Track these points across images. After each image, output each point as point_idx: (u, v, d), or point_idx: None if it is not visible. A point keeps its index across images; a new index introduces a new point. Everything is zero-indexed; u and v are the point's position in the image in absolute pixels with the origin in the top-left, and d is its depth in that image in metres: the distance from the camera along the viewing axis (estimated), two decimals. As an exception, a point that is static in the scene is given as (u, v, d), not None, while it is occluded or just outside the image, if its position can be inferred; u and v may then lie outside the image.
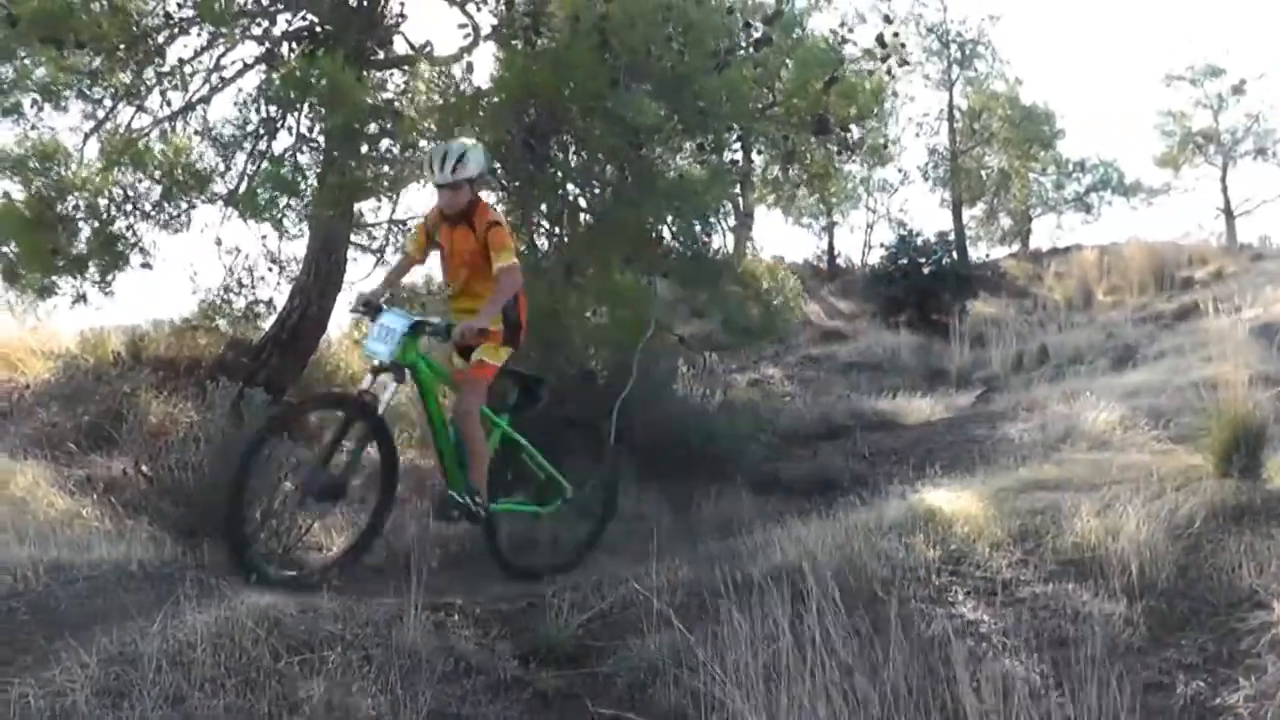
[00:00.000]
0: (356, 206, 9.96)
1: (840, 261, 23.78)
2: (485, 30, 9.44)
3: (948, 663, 3.60)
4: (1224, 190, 23.64)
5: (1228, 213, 23.40)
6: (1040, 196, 23.62)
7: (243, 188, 9.57)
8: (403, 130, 8.92)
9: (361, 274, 10.62)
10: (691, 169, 9.76)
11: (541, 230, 9.44)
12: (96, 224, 9.40)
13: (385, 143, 9.17)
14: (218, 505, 5.38)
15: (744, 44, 9.52)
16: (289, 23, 9.58)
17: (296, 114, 9.49)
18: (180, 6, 9.11)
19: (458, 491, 6.02)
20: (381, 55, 9.72)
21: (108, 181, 9.31)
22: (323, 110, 8.73)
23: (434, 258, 6.61)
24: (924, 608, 4.65)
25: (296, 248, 10.50)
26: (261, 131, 9.77)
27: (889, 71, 10.45)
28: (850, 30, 10.25)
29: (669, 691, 4.23)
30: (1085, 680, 3.42)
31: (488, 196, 7.23)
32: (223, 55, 9.67)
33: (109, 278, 9.55)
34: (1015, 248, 24.39)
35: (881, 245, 20.33)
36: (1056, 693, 3.65)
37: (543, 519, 6.79)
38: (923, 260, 18.30)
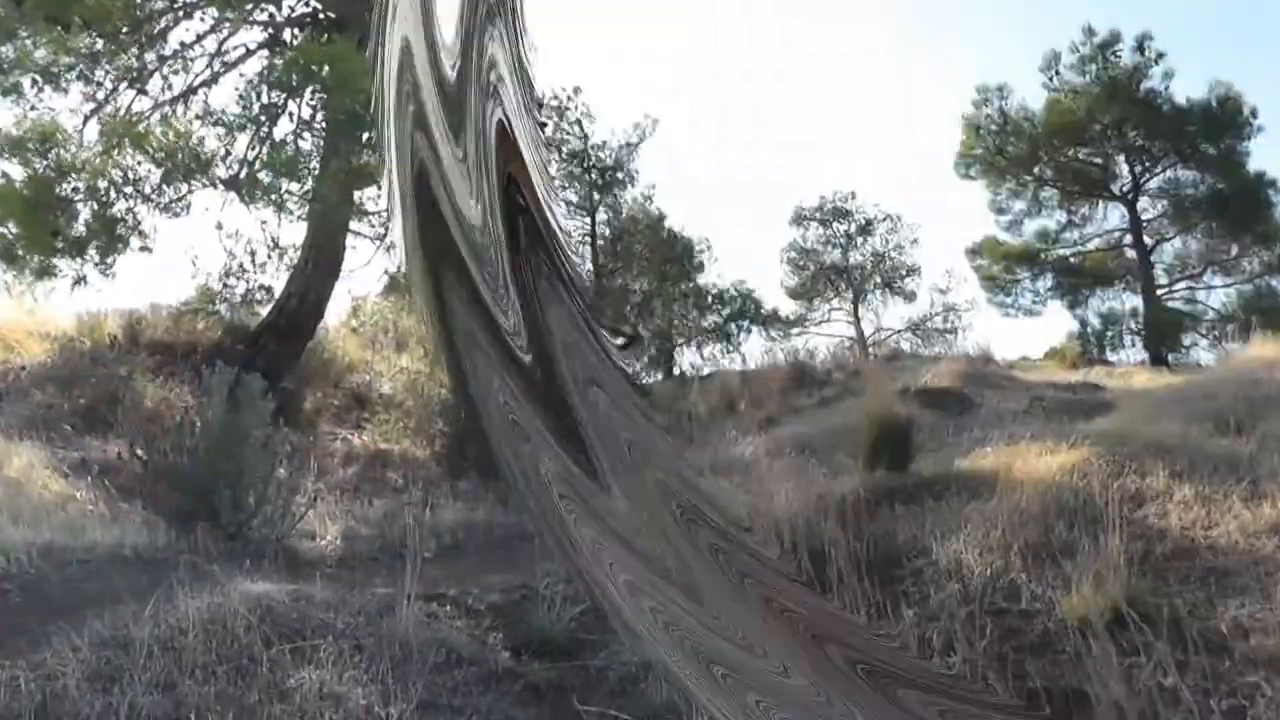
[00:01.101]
0: (357, 194, 9.92)
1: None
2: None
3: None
4: (856, 322, 23.78)
5: (861, 343, 23.14)
6: (681, 328, 22.01)
7: (244, 173, 9.53)
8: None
9: (361, 261, 10.60)
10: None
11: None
12: (96, 206, 9.36)
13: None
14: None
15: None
16: (292, 9, 9.56)
17: (299, 100, 9.46)
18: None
19: None
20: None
21: (108, 164, 9.27)
22: (325, 96, 8.70)
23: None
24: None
25: (296, 234, 10.47)
26: (263, 117, 9.73)
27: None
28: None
29: (660, 686, 4.21)
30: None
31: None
32: (225, 40, 9.65)
33: (108, 260, 9.52)
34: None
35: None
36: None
37: None
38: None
